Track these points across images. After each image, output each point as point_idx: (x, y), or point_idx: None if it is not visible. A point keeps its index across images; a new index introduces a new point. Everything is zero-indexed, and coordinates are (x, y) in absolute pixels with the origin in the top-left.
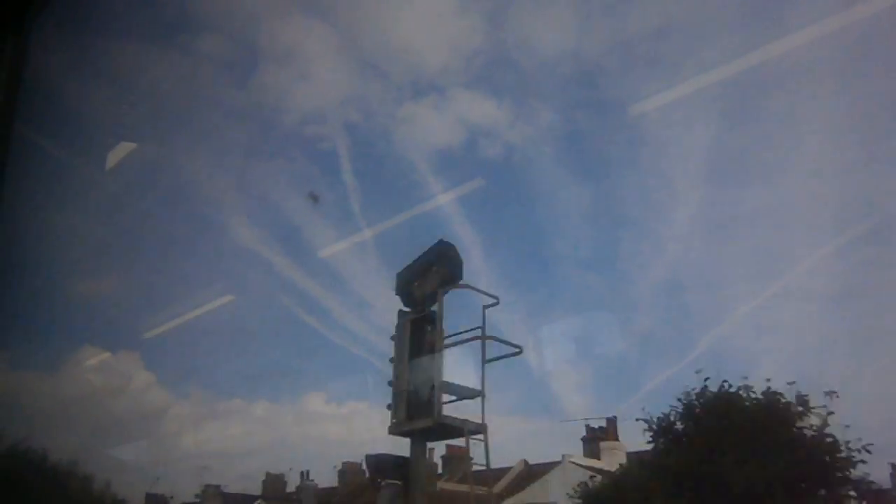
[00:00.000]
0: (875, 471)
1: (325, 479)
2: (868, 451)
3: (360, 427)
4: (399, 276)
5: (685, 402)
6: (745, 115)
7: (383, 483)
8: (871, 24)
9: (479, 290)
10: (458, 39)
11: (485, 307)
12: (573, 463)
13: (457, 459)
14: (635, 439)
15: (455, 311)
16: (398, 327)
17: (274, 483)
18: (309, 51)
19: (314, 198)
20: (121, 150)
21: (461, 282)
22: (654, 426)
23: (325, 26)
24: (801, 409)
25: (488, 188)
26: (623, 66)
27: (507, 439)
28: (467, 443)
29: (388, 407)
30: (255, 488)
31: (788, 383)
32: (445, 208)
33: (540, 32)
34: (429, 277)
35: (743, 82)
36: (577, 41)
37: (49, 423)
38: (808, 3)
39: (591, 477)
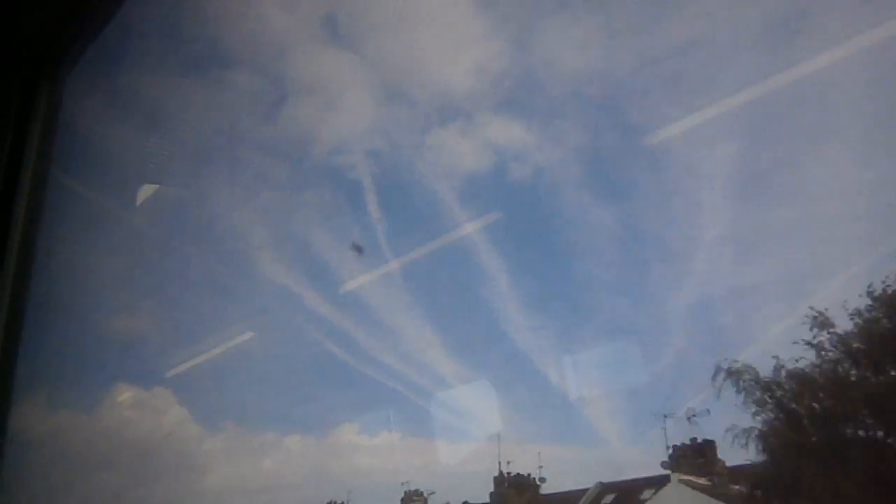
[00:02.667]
0: None
1: None
2: None
3: (396, 458)
4: None
5: None
6: (772, 133)
7: None
8: None
9: None
10: (484, 63)
11: None
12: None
13: None
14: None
15: None
16: None
17: None
18: (335, 81)
19: (358, 248)
20: (151, 190)
21: None
22: None
23: (351, 55)
24: None
25: (516, 213)
26: (649, 85)
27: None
28: None
29: None
30: None
31: None
32: (473, 235)
33: (566, 53)
34: None
35: (769, 100)
36: (603, 61)
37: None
38: (834, 21)
39: None
